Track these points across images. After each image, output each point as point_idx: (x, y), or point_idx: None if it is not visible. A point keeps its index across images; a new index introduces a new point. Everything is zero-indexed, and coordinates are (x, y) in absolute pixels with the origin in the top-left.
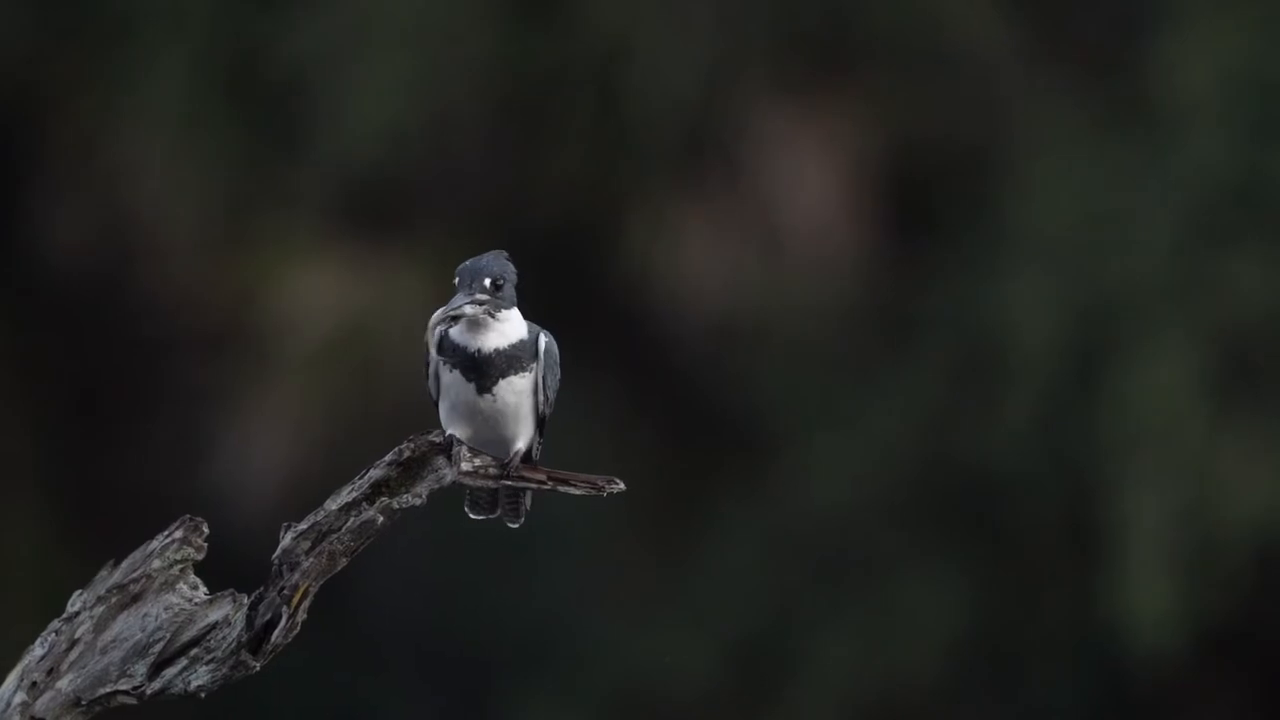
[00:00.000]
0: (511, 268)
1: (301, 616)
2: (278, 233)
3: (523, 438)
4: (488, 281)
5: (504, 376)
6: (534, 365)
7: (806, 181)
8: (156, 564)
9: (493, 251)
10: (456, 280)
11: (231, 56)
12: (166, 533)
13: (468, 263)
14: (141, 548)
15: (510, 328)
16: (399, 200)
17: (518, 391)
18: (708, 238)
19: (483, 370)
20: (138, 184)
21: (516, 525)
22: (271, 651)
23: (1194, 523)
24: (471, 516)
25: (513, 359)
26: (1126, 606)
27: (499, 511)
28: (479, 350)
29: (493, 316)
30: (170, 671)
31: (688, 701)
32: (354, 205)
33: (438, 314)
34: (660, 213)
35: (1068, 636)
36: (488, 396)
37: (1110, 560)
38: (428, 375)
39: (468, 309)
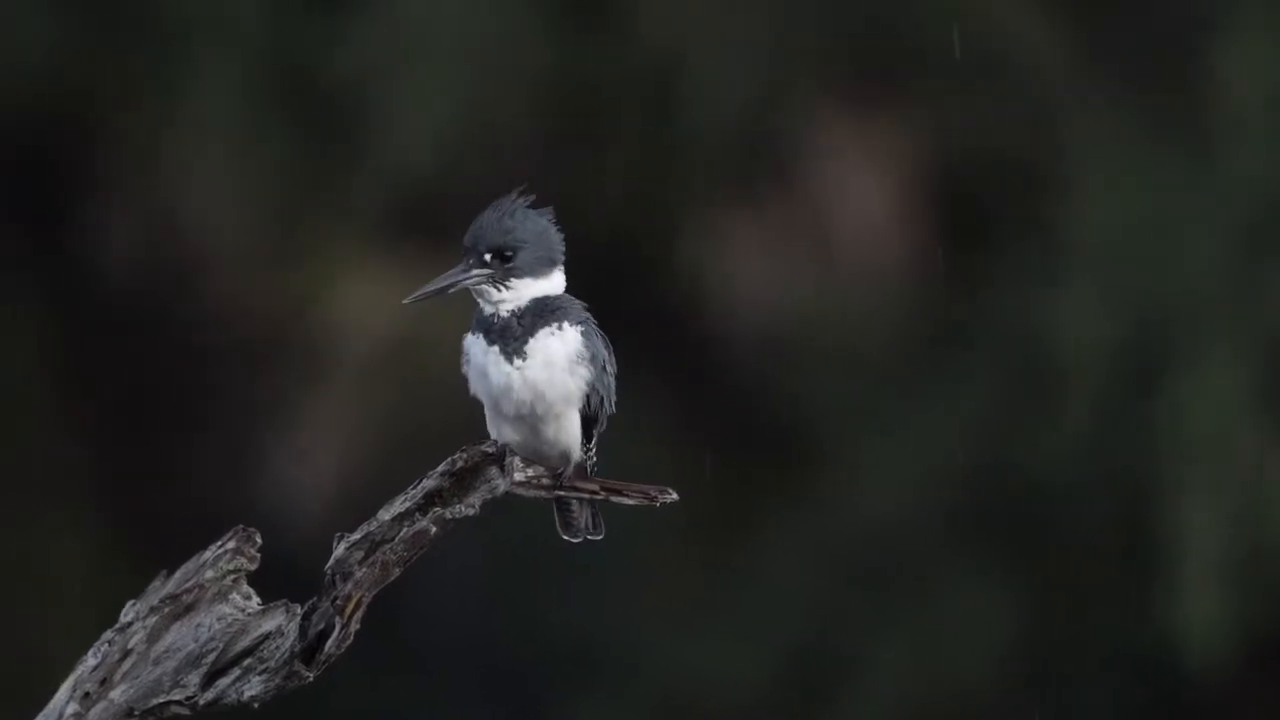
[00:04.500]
0: (515, 228)
1: (355, 627)
2: (330, 243)
3: (571, 443)
4: (488, 255)
5: (531, 335)
6: (565, 327)
7: (858, 191)
8: (209, 574)
9: (495, 214)
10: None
11: (284, 67)
12: (219, 543)
13: (466, 234)
14: (194, 558)
15: (527, 290)
16: (451, 211)
17: (550, 361)
18: (760, 248)
19: (505, 333)
20: (190, 195)
21: (600, 537)
22: (325, 662)
23: (1247, 533)
24: (564, 538)
25: (536, 316)
26: (1178, 617)
27: (586, 533)
28: (495, 314)
29: (498, 289)
30: (223, 682)
31: (737, 712)
32: (406, 216)
33: (424, 290)
34: (712, 223)
35: (1119, 647)
36: (517, 361)
37: (1162, 571)
38: (464, 365)
39: (468, 284)
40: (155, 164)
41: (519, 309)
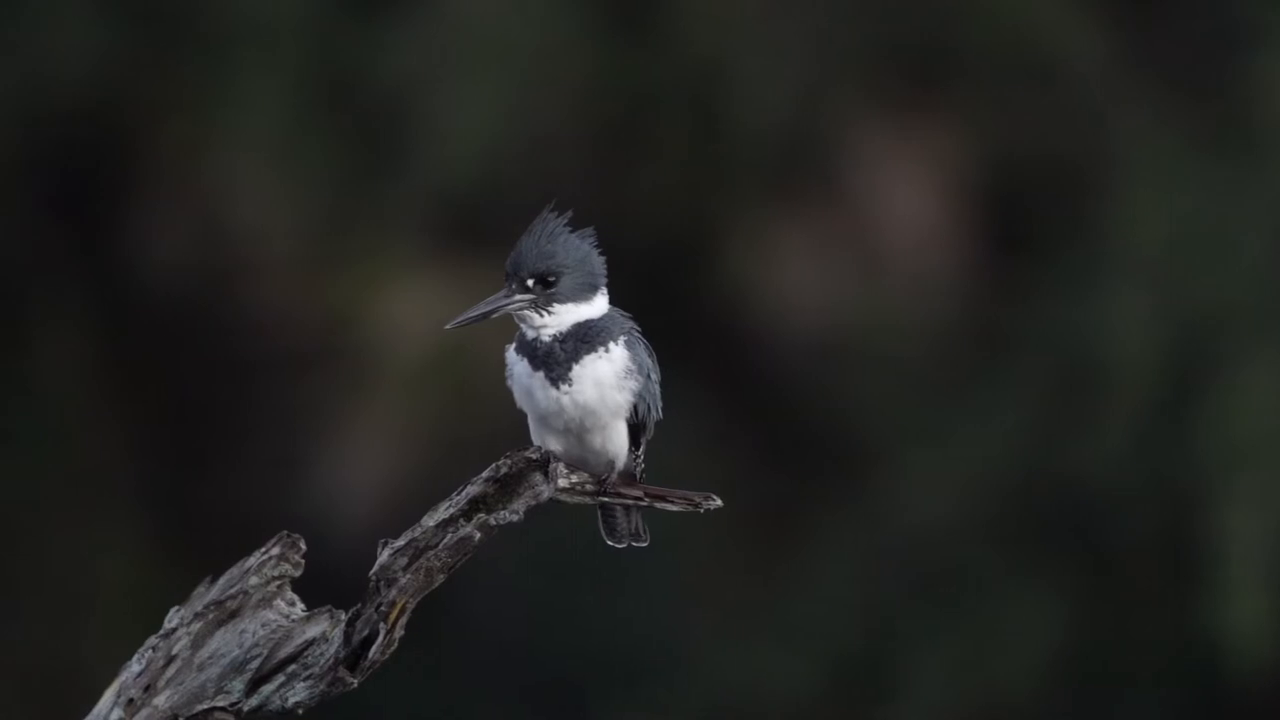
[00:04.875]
0: (557, 252)
1: (399, 633)
2: (375, 251)
3: (618, 452)
4: (530, 281)
5: (576, 361)
6: (613, 347)
7: (903, 198)
8: (254, 580)
9: (534, 237)
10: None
11: (330, 75)
12: (264, 549)
13: (509, 259)
14: (239, 564)
15: (569, 315)
16: (496, 218)
17: (600, 381)
18: (805, 255)
19: (549, 359)
20: (235, 202)
21: (645, 544)
22: (369, 668)
23: None
24: (609, 543)
25: (581, 341)
26: (1223, 623)
27: (630, 539)
28: (537, 339)
29: (540, 314)
30: (267, 688)
31: (784, 718)
32: (451, 224)
33: (466, 315)
34: (757, 230)
35: (1165, 654)
36: (564, 387)
37: (1208, 577)
38: (508, 378)
39: (510, 310)
40: (200, 172)
41: (561, 334)
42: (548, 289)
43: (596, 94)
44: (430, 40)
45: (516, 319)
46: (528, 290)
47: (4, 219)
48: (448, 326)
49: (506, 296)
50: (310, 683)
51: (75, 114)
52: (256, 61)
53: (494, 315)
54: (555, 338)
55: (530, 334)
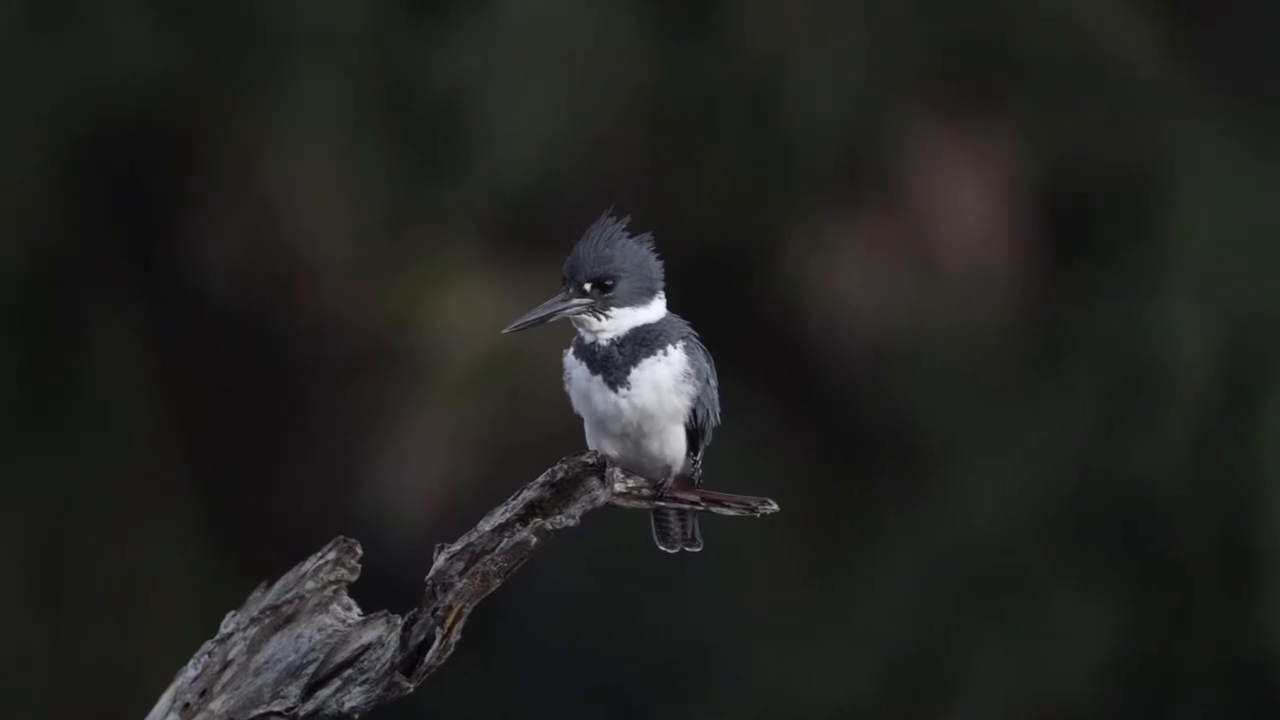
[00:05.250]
0: (614, 256)
1: (455, 638)
2: (432, 254)
3: (675, 457)
4: (588, 285)
5: (634, 365)
6: (671, 350)
7: (961, 202)
8: (310, 585)
9: (592, 241)
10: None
11: (387, 79)
12: (320, 554)
13: (566, 263)
14: (295, 569)
15: (626, 319)
16: (552, 221)
17: (659, 385)
18: (862, 258)
19: (607, 363)
20: (292, 206)
21: (699, 549)
22: (425, 673)
23: None
24: (661, 549)
25: (639, 345)
26: None
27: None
28: (595, 342)
29: (597, 318)
30: (324, 693)
31: None
32: (507, 226)
33: (523, 319)
34: (814, 233)
35: (1222, 658)
36: (622, 391)
37: (1263, 582)
38: (565, 382)
39: (567, 314)
40: (258, 176)
41: (618, 338)
42: (605, 293)
43: (653, 96)
44: (487, 43)
45: (574, 323)
46: (585, 294)
47: (63, 225)
48: (505, 331)
49: (564, 300)
50: (366, 687)
51: (133, 120)
52: (314, 66)
53: (551, 319)
54: (613, 341)
55: (588, 338)
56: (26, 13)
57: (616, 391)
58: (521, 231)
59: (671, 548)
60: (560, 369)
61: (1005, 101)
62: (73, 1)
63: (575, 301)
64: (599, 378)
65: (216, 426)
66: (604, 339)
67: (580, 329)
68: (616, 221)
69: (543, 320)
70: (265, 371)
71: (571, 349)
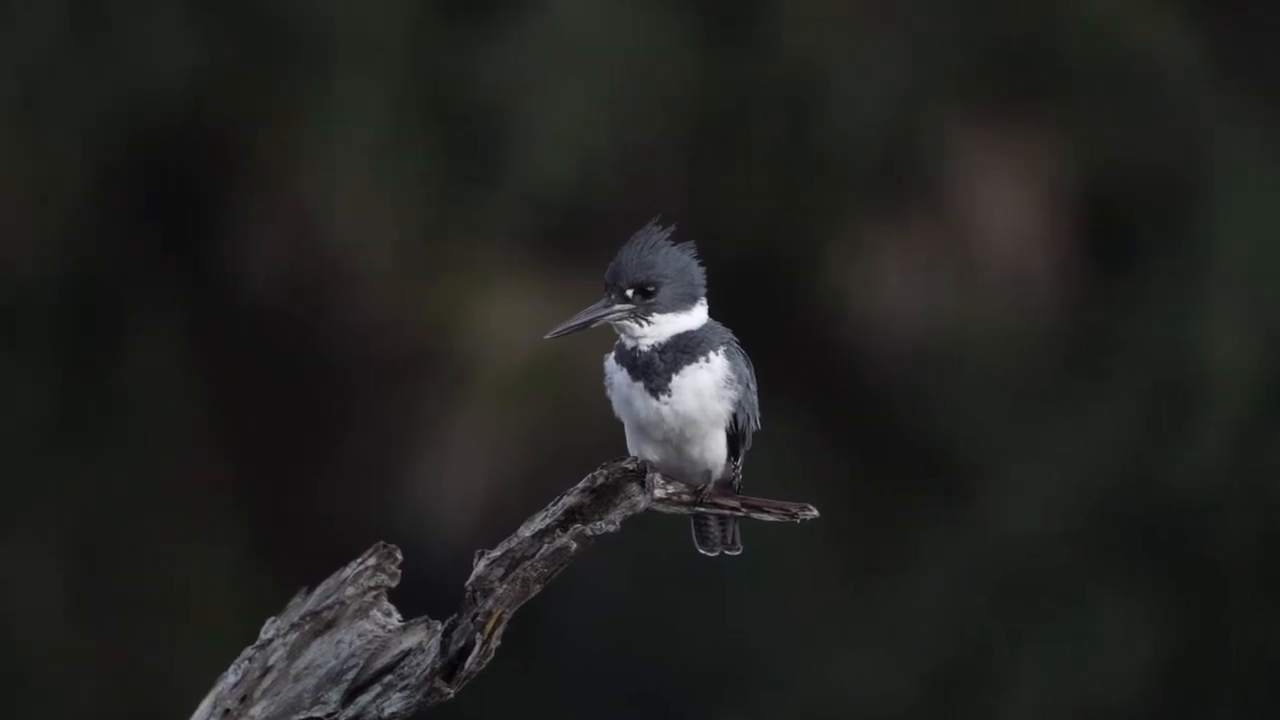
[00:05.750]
0: (658, 263)
1: (495, 643)
2: (472, 260)
3: (716, 462)
4: (630, 291)
5: (676, 371)
6: (713, 357)
7: (1001, 206)
8: (350, 591)
9: (637, 247)
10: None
11: (427, 83)
12: (360, 560)
13: (609, 270)
14: (335, 575)
15: (668, 325)
16: (593, 226)
17: (700, 391)
18: (902, 263)
19: (649, 369)
20: (331, 211)
21: (738, 552)
22: (465, 678)
23: None
24: (700, 552)
25: (681, 351)
26: None
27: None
28: (636, 348)
29: (639, 324)
30: (364, 699)
31: None
32: (548, 231)
33: (565, 325)
34: (855, 238)
35: (1260, 660)
36: (664, 397)
37: None
38: (607, 387)
39: (609, 319)
40: (298, 180)
41: (660, 344)
42: (647, 299)
43: (693, 102)
44: (527, 49)
45: (616, 329)
46: (627, 300)
47: (103, 229)
48: (547, 336)
49: (606, 306)
50: (407, 693)
51: (173, 125)
52: (353, 70)
53: (593, 325)
54: (654, 348)
55: (629, 344)
56: (66, 20)
57: (658, 398)
58: (560, 236)
59: (711, 551)
60: (602, 373)
61: (1045, 105)
62: (112, 8)
63: (618, 307)
64: (640, 384)
65: (257, 432)
66: (645, 345)
67: (622, 335)
68: (662, 229)
69: (585, 326)
70: (305, 377)
71: (613, 354)
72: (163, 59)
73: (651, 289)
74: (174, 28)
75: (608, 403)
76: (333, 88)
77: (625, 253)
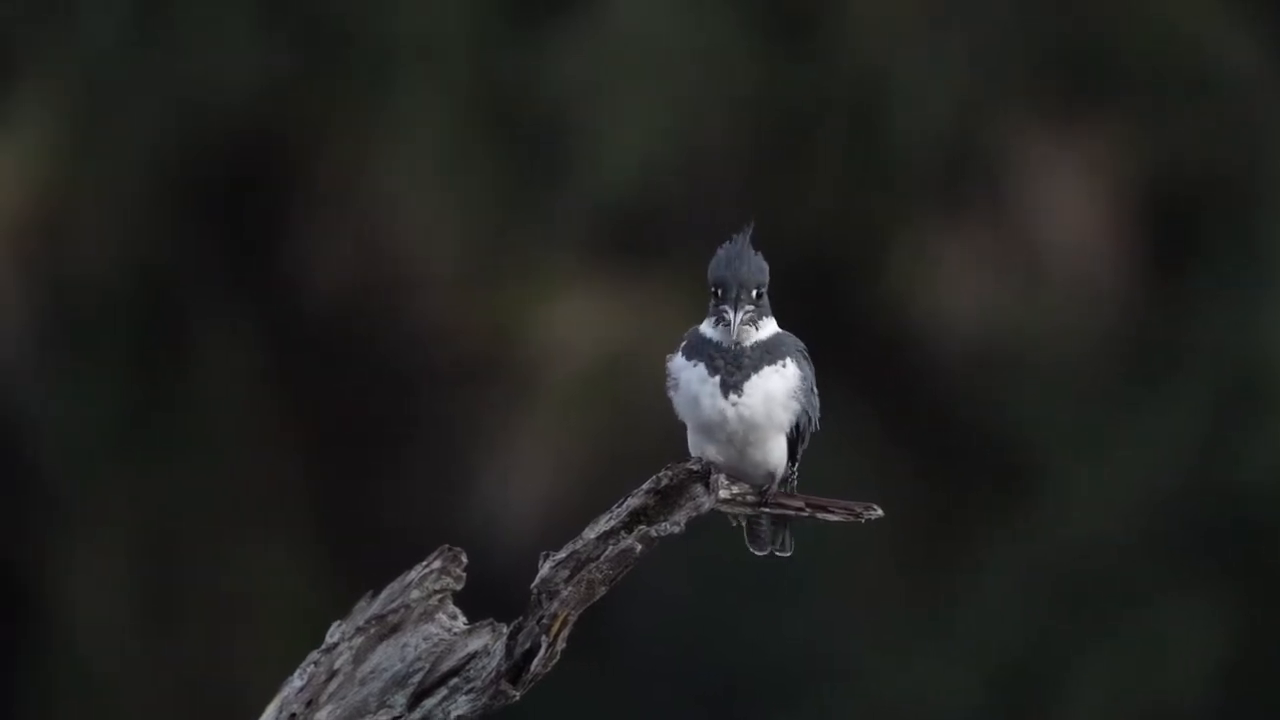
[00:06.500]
0: (766, 266)
1: (561, 645)
2: (536, 265)
3: (778, 463)
4: (754, 292)
5: (756, 372)
6: (788, 364)
7: (1065, 208)
8: (415, 594)
9: (747, 250)
10: (717, 290)
11: (490, 89)
12: (425, 563)
13: (725, 270)
14: (400, 578)
15: (768, 328)
16: (657, 231)
17: (770, 396)
18: (966, 265)
19: (734, 364)
20: (397, 217)
21: (788, 554)
22: (531, 681)
23: None
24: (752, 552)
25: (765, 352)
26: None
27: (773, 547)
28: (736, 343)
29: (755, 326)
30: (430, 702)
31: None
32: (612, 236)
33: (715, 333)
34: (919, 241)
35: None
36: (734, 398)
37: None
38: (669, 388)
39: (738, 324)
40: (363, 187)
41: (756, 344)
42: (760, 300)
43: (756, 106)
44: (592, 53)
45: (738, 332)
46: (752, 301)
47: (170, 238)
48: (732, 342)
49: (741, 306)
50: (472, 696)
51: (238, 132)
52: (418, 77)
53: (735, 331)
54: (750, 347)
55: (726, 343)
56: (132, 27)
57: (727, 398)
58: (625, 241)
59: (761, 550)
60: (664, 374)
61: (1108, 107)
62: (177, 15)
63: (749, 307)
64: (714, 380)
65: (324, 436)
66: (747, 344)
67: (739, 338)
68: (748, 231)
69: (753, 322)
70: (372, 383)
71: (680, 353)
72: (229, 67)
73: (761, 291)
74: (241, 36)
75: (669, 405)
76: (398, 95)
77: (745, 254)
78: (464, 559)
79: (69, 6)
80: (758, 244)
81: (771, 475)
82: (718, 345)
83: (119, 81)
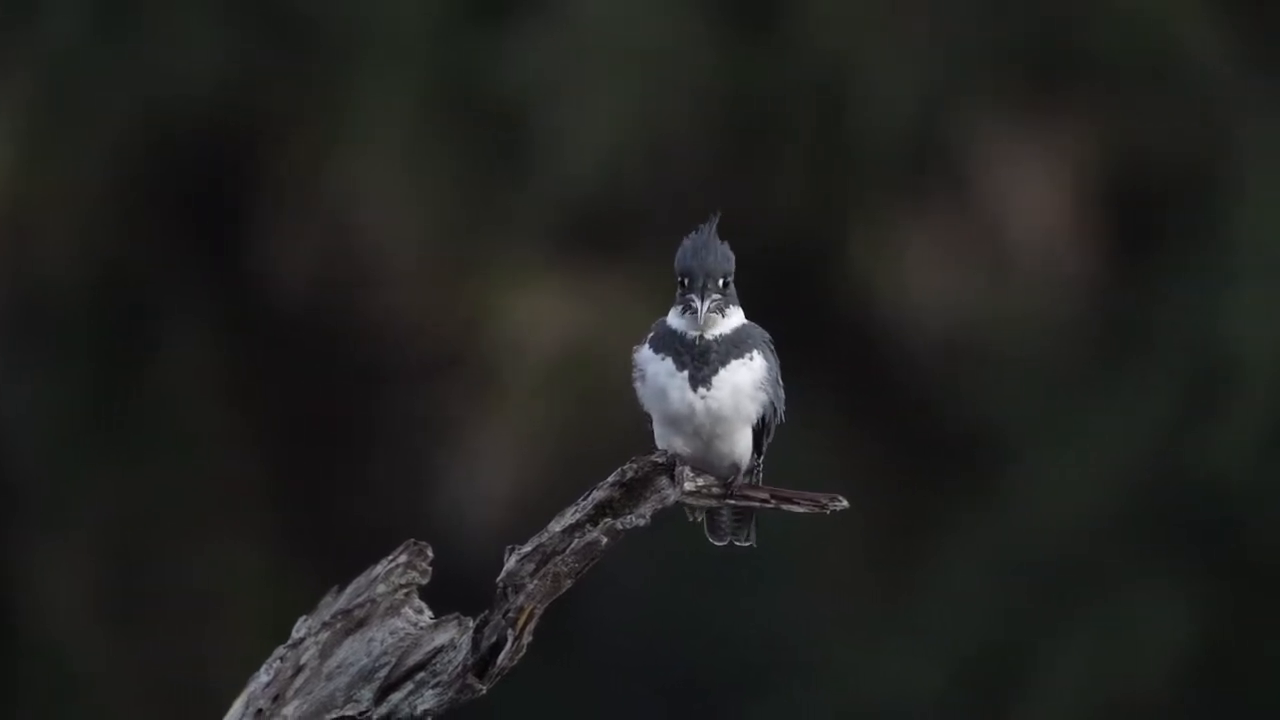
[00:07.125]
0: (732, 256)
1: (527, 639)
2: (500, 259)
3: (743, 455)
4: (721, 281)
5: (724, 365)
6: (755, 356)
7: (1031, 197)
8: (381, 589)
9: (713, 240)
10: (684, 279)
11: (453, 83)
12: (391, 557)
13: (691, 259)
14: (366, 573)
15: (734, 318)
16: (621, 223)
17: (738, 389)
18: (931, 254)
19: (701, 358)
20: (361, 213)
21: (749, 545)
22: (497, 674)
23: None
24: (711, 541)
25: (732, 345)
26: None
27: (732, 537)
28: (700, 336)
29: (722, 314)
30: (396, 696)
31: (915, 719)
32: (577, 230)
33: (682, 322)
34: (883, 230)
35: None
36: (702, 390)
37: None
38: (635, 379)
39: (705, 313)
40: (326, 181)
41: (722, 336)
42: (726, 289)
43: (720, 96)
44: (555, 46)
45: (704, 320)
46: (719, 291)
47: (132, 232)
48: (701, 334)
49: (708, 295)
50: (439, 690)
51: (200, 126)
52: (382, 72)
53: (701, 319)
54: (716, 340)
55: (691, 334)
56: (94, 24)
57: (695, 391)
58: (590, 234)
59: (721, 540)
60: (629, 367)
61: (1073, 96)
62: (138, 8)
63: (716, 296)
64: (682, 374)
65: (288, 432)
66: (710, 335)
67: (705, 326)
68: (714, 221)
69: (720, 311)
70: (336, 376)
71: (647, 344)
72: (191, 59)
73: (726, 281)
74: (203, 32)
75: (635, 398)
76: (361, 87)
77: (710, 243)
78: (430, 553)
79: (31, 4)
80: (724, 234)
81: (737, 467)
82: (683, 337)
83: (82, 78)
